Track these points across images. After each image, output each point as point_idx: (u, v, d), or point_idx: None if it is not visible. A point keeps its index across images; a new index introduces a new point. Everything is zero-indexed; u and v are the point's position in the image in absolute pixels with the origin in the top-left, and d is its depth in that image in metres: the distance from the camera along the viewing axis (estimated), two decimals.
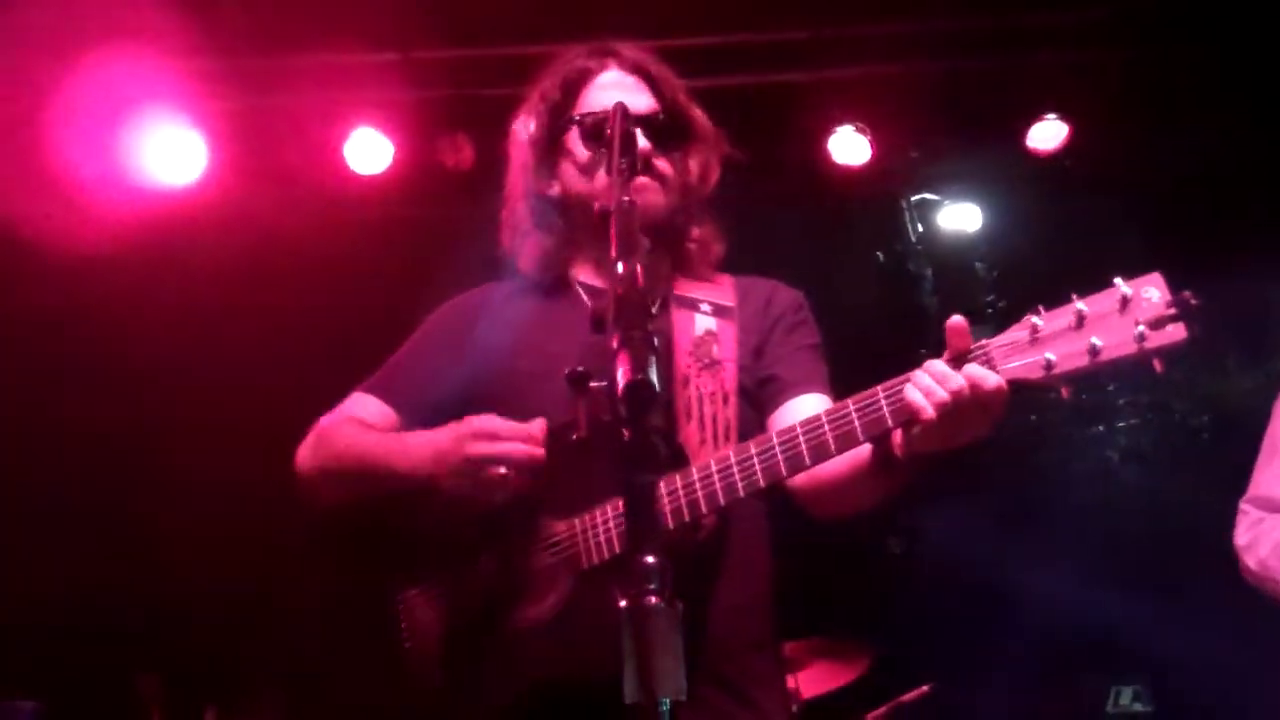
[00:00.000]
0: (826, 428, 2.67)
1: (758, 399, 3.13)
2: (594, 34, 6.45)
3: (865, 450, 2.74)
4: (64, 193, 6.23)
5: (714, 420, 3.04)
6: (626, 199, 2.61)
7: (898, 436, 2.66)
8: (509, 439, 2.86)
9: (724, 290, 3.29)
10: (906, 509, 7.38)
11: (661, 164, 3.18)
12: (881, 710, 5.84)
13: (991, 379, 2.53)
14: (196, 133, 6.38)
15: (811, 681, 5.92)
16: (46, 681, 5.79)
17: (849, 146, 6.71)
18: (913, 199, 7.99)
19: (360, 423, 3.21)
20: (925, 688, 5.85)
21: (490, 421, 2.89)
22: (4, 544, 6.29)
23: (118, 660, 6.19)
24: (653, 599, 1.98)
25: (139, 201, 6.37)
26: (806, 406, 3.02)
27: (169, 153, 6.36)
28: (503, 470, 2.84)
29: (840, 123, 6.69)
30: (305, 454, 3.23)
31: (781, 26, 6.61)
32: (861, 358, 3.16)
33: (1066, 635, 6.58)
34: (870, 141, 6.68)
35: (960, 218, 7.91)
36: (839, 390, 2.89)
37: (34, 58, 6.07)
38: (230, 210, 6.49)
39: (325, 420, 3.26)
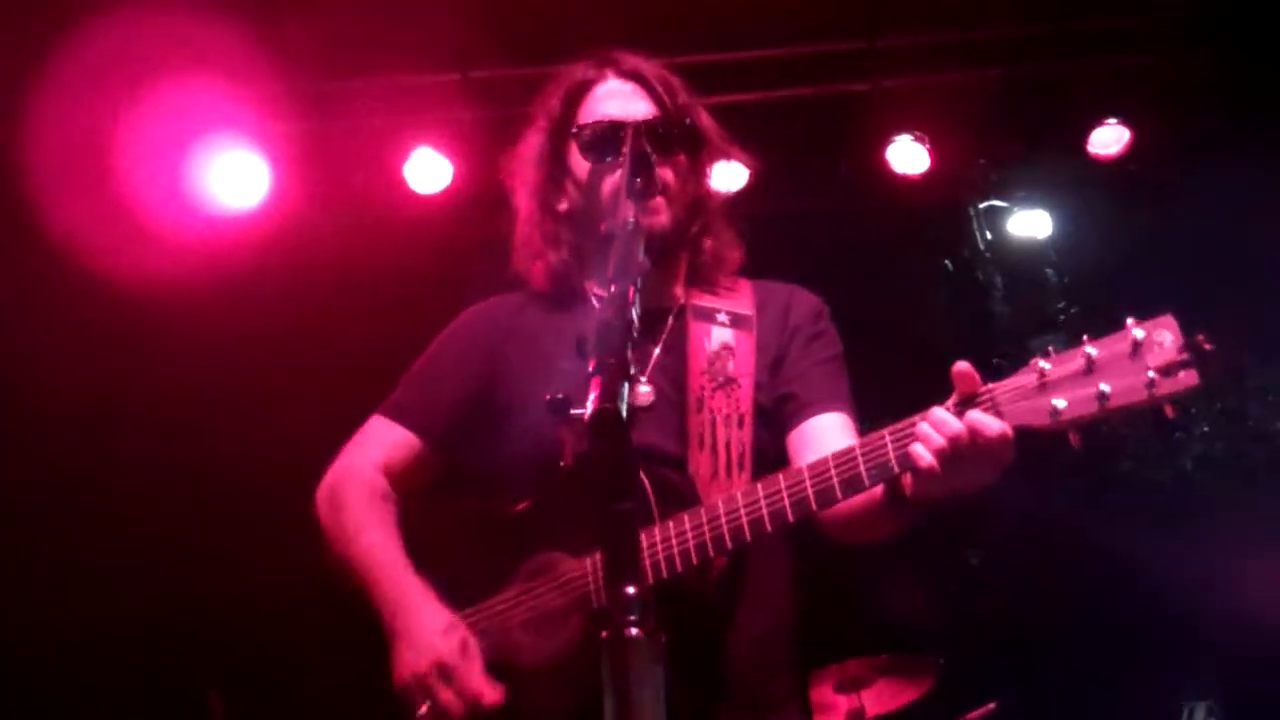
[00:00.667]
0: (833, 472, 2.65)
1: (775, 418, 3.10)
2: (653, 50, 6.52)
3: (878, 488, 2.71)
4: (132, 218, 6.37)
5: (728, 447, 3.00)
6: (630, 220, 2.62)
7: (906, 477, 2.63)
8: (456, 694, 2.86)
9: (742, 298, 3.23)
10: (983, 522, 7.37)
11: (664, 172, 3.12)
12: None
13: (994, 426, 2.48)
14: (260, 156, 6.46)
15: (877, 699, 5.89)
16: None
17: (908, 156, 6.65)
18: (981, 206, 7.91)
19: (373, 495, 3.19)
20: (992, 704, 5.79)
21: (458, 664, 2.87)
22: (71, 566, 6.44)
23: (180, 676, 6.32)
24: (633, 631, 1.98)
25: (204, 225, 6.48)
26: (825, 426, 3.00)
27: (233, 177, 6.45)
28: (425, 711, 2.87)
29: (898, 132, 6.63)
30: (322, 506, 3.25)
31: (838, 37, 6.58)
32: (930, 367, 3.08)
33: (1139, 650, 6.47)
34: (929, 150, 6.62)
35: (1030, 224, 7.79)
36: (906, 402, 2.81)
37: (101, 86, 6.19)
38: (293, 232, 6.58)
39: (346, 465, 3.27)
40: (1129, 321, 2.48)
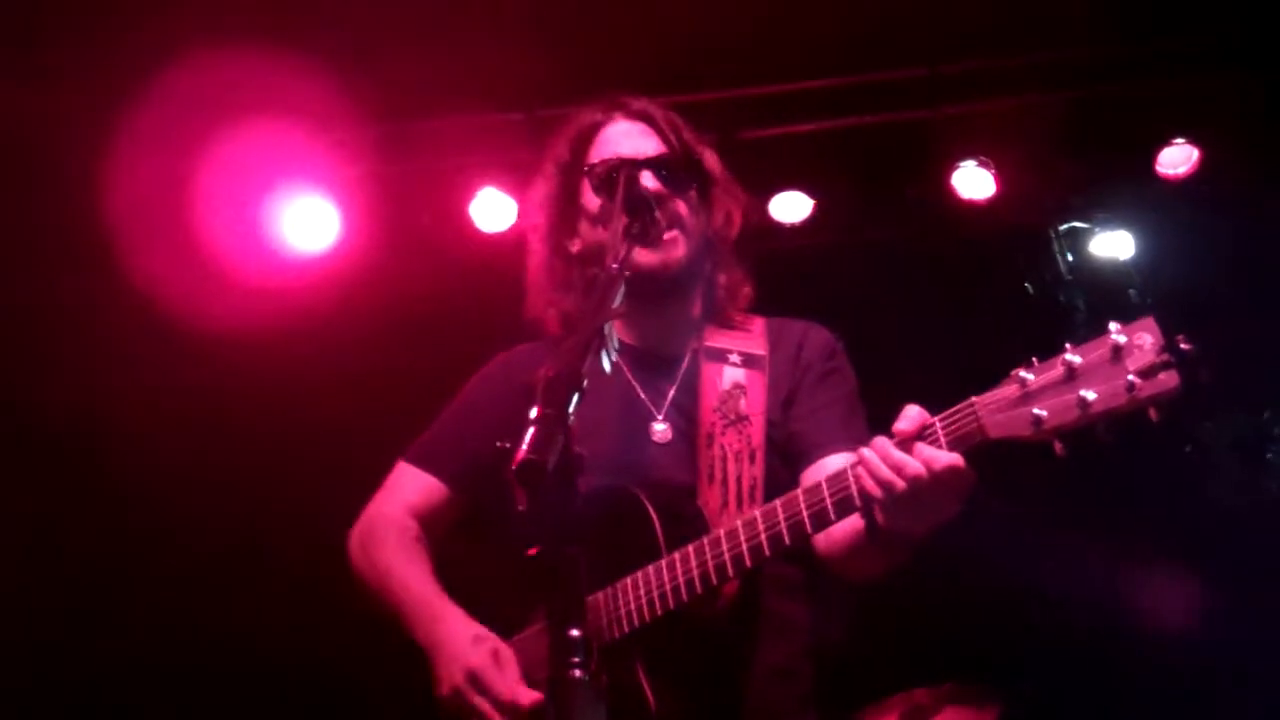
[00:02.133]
0: (802, 504, 2.69)
1: (788, 454, 3.13)
2: (715, 86, 6.60)
3: (860, 522, 2.73)
4: (209, 262, 6.55)
5: (739, 481, 3.06)
6: (615, 265, 2.68)
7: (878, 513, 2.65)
8: (488, 698, 2.92)
9: (755, 337, 3.29)
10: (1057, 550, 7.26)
11: (676, 207, 3.17)
12: None
13: (942, 458, 2.50)
14: (330, 200, 6.62)
15: None
16: None
17: (973, 181, 6.62)
18: (1062, 228, 7.83)
19: (404, 535, 3.30)
20: None
21: (488, 669, 2.94)
22: (137, 610, 6.61)
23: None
24: (576, 673, 2.02)
25: (278, 269, 6.65)
26: (833, 466, 3.01)
27: (305, 221, 6.61)
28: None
29: (964, 158, 6.61)
30: (355, 551, 3.37)
31: (900, 65, 6.58)
32: None
33: (1209, 682, 6.32)
34: (994, 175, 6.58)
35: (1112, 245, 7.69)
36: None
37: (177, 131, 6.37)
38: (362, 272, 6.71)
39: (374, 515, 3.37)
40: (1111, 327, 2.48)
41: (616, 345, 2.58)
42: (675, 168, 3.24)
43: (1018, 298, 7.95)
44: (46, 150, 6.19)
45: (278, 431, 6.64)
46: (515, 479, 2.08)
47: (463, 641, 3.02)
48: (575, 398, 2.24)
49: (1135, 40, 6.36)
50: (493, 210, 6.53)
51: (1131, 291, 8.08)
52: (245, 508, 6.61)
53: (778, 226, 6.79)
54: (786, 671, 3.05)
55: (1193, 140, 6.46)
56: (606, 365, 2.54)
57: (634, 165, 3.18)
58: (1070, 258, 7.91)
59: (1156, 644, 6.44)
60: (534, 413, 2.16)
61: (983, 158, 6.59)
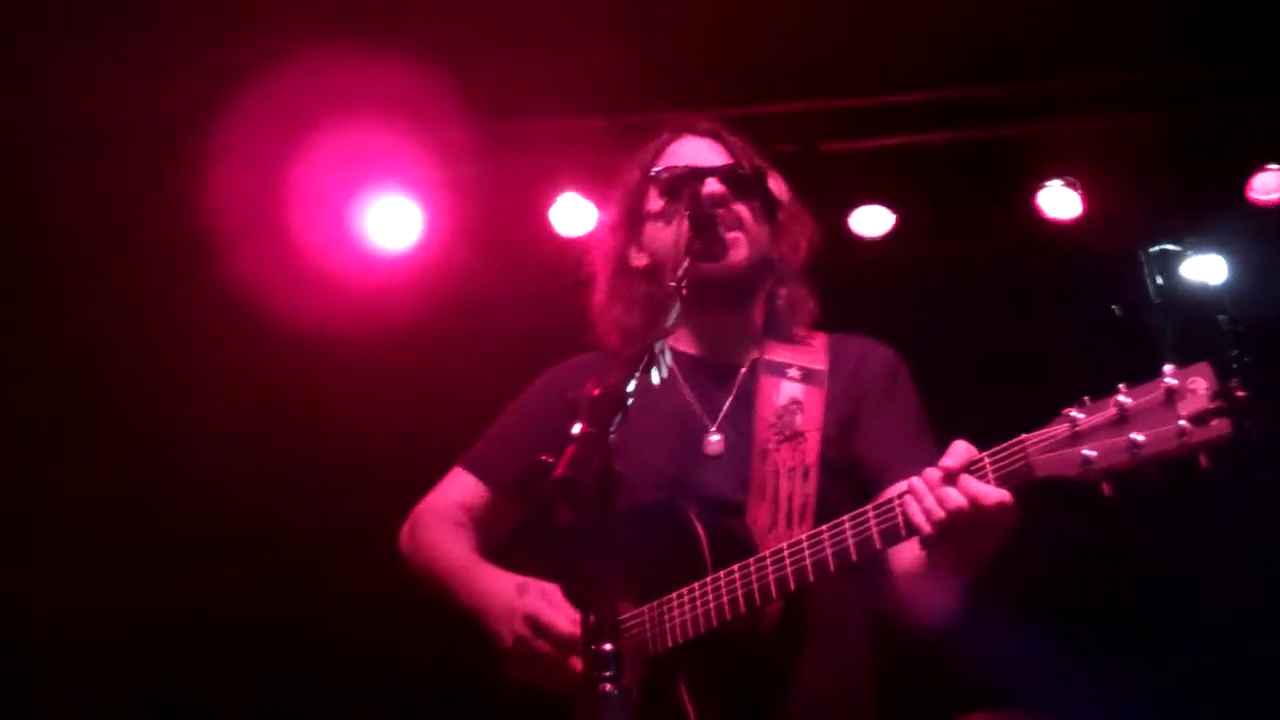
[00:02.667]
0: (848, 530, 2.69)
1: (852, 476, 3.12)
2: (799, 96, 6.57)
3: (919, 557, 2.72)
4: (300, 261, 6.64)
5: (789, 499, 3.05)
6: (673, 283, 2.70)
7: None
8: (550, 638, 2.93)
9: (815, 353, 3.28)
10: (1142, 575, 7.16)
11: (741, 210, 3.19)
12: None
13: (990, 494, 2.48)
14: (414, 200, 6.68)
15: None
16: None
17: (1060, 201, 6.54)
18: (1151, 250, 7.71)
19: (451, 519, 3.33)
20: None
21: (542, 610, 2.95)
22: (228, 610, 6.73)
23: None
24: (607, 687, 2.04)
25: (364, 268, 6.72)
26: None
27: (390, 221, 6.68)
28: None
29: (1050, 177, 6.53)
30: (405, 539, 3.42)
31: (988, 81, 6.52)
32: None
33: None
34: (1081, 195, 6.50)
35: (1203, 269, 7.56)
36: None
37: (274, 129, 6.46)
38: (444, 273, 6.76)
39: (425, 505, 3.42)
40: (1165, 369, 2.45)
41: (669, 362, 2.59)
42: (740, 176, 3.24)
43: (1103, 320, 7.84)
44: (144, 145, 6.32)
45: (355, 429, 6.71)
46: (550, 495, 2.11)
47: (508, 593, 3.07)
48: (619, 417, 2.26)
49: (1229, 62, 6.25)
50: (573, 215, 6.54)
51: (1222, 318, 7.94)
52: (330, 505, 6.67)
53: (858, 240, 6.75)
54: (832, 692, 3.04)
55: None
56: (656, 381, 2.55)
57: (700, 172, 3.19)
58: (1160, 281, 7.79)
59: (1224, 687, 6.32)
60: (576, 430, 2.18)
61: (1070, 177, 6.52)
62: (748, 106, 6.49)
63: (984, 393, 6.44)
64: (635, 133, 6.70)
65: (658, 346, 2.55)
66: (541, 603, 2.96)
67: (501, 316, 6.66)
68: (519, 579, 3.06)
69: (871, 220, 6.73)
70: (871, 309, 6.52)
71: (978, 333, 6.90)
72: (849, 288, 6.62)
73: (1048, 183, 6.55)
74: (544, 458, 2.17)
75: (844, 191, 6.71)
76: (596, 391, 2.32)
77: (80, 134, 6.17)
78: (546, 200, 6.59)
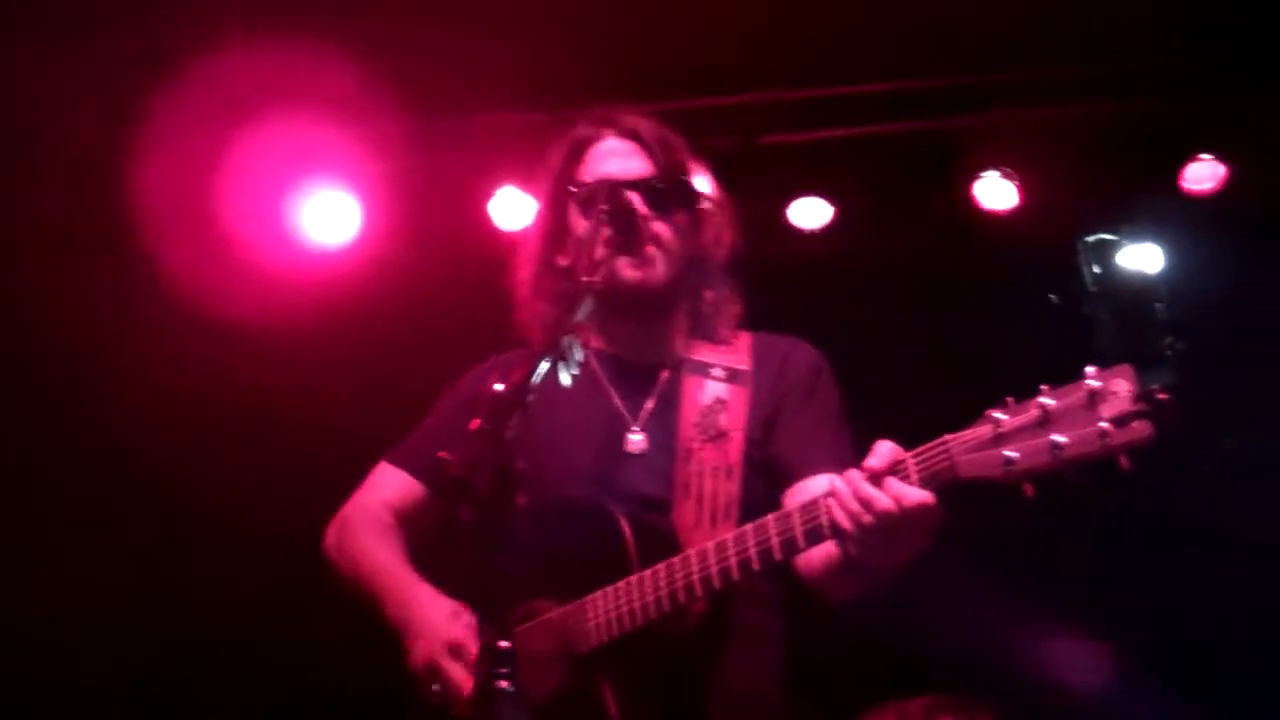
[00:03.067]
0: (772, 530, 2.70)
1: (771, 473, 3.13)
2: (738, 89, 6.57)
3: (836, 549, 2.74)
4: (233, 253, 6.59)
5: (714, 497, 3.06)
6: (587, 279, 2.71)
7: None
8: (469, 668, 2.88)
9: (739, 353, 3.30)
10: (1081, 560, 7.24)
11: (660, 228, 3.19)
12: None
13: (912, 495, 2.51)
14: (352, 195, 6.65)
15: None
16: None
17: (996, 192, 6.59)
18: (1088, 240, 7.78)
19: (380, 522, 3.31)
20: None
21: (465, 642, 2.92)
22: (175, 604, 6.68)
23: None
24: (503, 684, 2.04)
25: (299, 262, 6.68)
26: (816, 489, 3.00)
27: (327, 214, 6.65)
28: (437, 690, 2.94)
29: (986, 168, 6.58)
30: (330, 539, 3.39)
31: (926, 74, 6.56)
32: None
33: (1218, 698, 6.30)
34: (1018, 186, 6.55)
35: (1140, 258, 7.64)
36: None
37: (207, 122, 6.40)
38: (381, 268, 6.74)
39: (353, 506, 3.39)
40: (1088, 371, 2.47)
41: (580, 358, 2.59)
42: (661, 190, 3.23)
43: (1040, 310, 7.91)
44: (73, 139, 6.24)
45: (290, 423, 6.67)
46: (444, 493, 2.12)
47: (440, 616, 3.04)
48: (517, 414, 2.25)
49: (1162, 55, 6.30)
50: (512, 209, 6.53)
51: (1158, 306, 8.04)
52: (259, 500, 6.61)
53: (797, 232, 6.77)
54: (757, 688, 3.06)
55: (1220, 157, 6.42)
56: (566, 379, 2.56)
57: (619, 186, 3.18)
58: (1097, 270, 7.87)
59: (1164, 665, 6.40)
60: (473, 427, 2.18)
61: (1006, 168, 6.56)
62: (686, 100, 6.51)
63: (922, 384, 6.50)
64: (574, 127, 6.79)
65: (565, 342, 2.55)
66: (469, 634, 2.95)
67: (440, 311, 6.64)
68: (453, 605, 3.05)
69: (810, 212, 6.76)
70: (811, 301, 6.61)
71: (916, 324, 6.95)
72: (788, 280, 6.73)
73: (984, 174, 6.59)
74: (442, 454, 2.16)
75: (782, 184, 6.73)
76: (497, 388, 2.30)
77: (9, 126, 6.09)
78: (485, 195, 6.57)
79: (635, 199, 3.16)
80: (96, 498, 6.73)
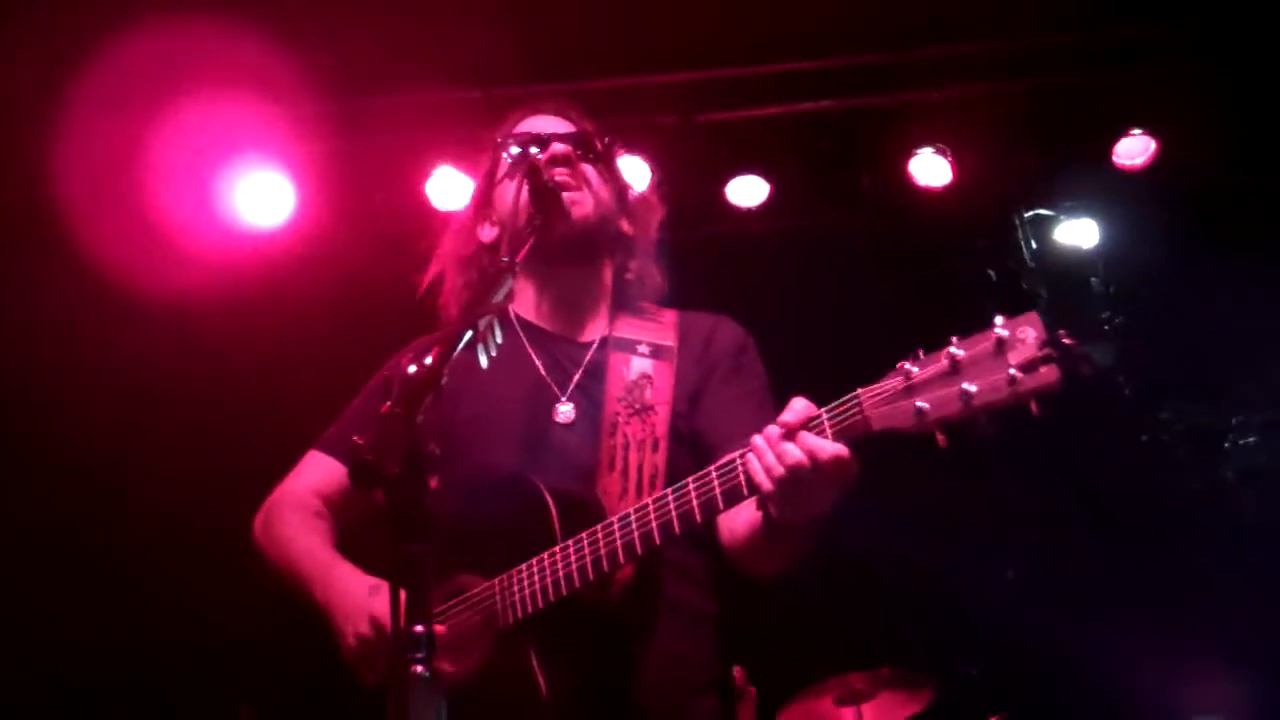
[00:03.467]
0: (692, 491, 2.71)
1: (696, 447, 3.14)
2: (674, 68, 6.58)
3: (757, 517, 2.74)
4: (159, 234, 6.54)
5: (639, 469, 3.06)
6: (507, 258, 2.71)
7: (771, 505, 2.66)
8: (383, 648, 2.90)
9: (665, 329, 3.30)
10: (1025, 531, 7.31)
11: (585, 169, 3.21)
12: None
13: (827, 448, 2.51)
14: (285, 175, 6.61)
15: (878, 712, 5.88)
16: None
17: (930, 169, 6.63)
18: (1025, 215, 7.84)
19: (307, 509, 3.30)
20: (998, 717, 5.75)
21: (381, 615, 2.90)
22: (99, 579, 6.61)
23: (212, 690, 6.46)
24: (418, 668, 2.03)
25: (230, 243, 6.64)
26: None
27: (259, 196, 6.61)
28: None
29: (921, 145, 6.61)
30: (258, 527, 3.37)
31: (860, 51, 6.58)
32: None
33: (1149, 662, 6.37)
34: (951, 163, 6.59)
35: (1076, 233, 7.71)
36: None
37: (130, 103, 6.34)
38: (316, 249, 6.71)
39: (280, 493, 3.37)
40: (995, 320, 2.48)
41: (499, 339, 2.58)
42: (585, 143, 3.26)
43: (977, 285, 7.97)
44: None
45: (225, 406, 6.63)
46: (353, 478, 2.09)
47: (360, 593, 3.02)
48: (430, 397, 2.23)
49: (1092, 30, 6.36)
50: (448, 188, 6.50)
51: (1094, 280, 8.12)
52: (190, 482, 6.57)
53: (734, 210, 6.79)
54: (684, 656, 3.04)
55: (1150, 131, 6.48)
56: (484, 361, 2.55)
57: (544, 138, 3.20)
58: (1034, 245, 7.93)
59: (1100, 629, 6.47)
60: (383, 410, 2.16)
61: (940, 145, 6.60)
62: (623, 77, 6.54)
63: (857, 360, 6.51)
64: (510, 105, 6.76)
65: (483, 323, 2.52)
66: (381, 615, 2.94)
67: (375, 292, 6.60)
68: (374, 581, 3.04)
69: (747, 190, 6.78)
70: (749, 277, 6.64)
71: (852, 300, 6.98)
72: (727, 257, 6.76)
73: (918, 151, 6.62)
74: (355, 439, 2.13)
75: (720, 162, 6.74)
76: (410, 370, 2.28)
77: None
78: (422, 174, 6.54)
79: (559, 145, 3.17)
80: (23, 481, 6.66)
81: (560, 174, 3.17)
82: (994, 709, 5.80)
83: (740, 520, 2.85)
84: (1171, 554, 6.85)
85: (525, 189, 3.03)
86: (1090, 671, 6.33)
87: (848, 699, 5.87)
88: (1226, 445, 7.87)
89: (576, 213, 3.15)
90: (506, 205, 3.21)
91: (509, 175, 3.25)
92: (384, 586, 2.93)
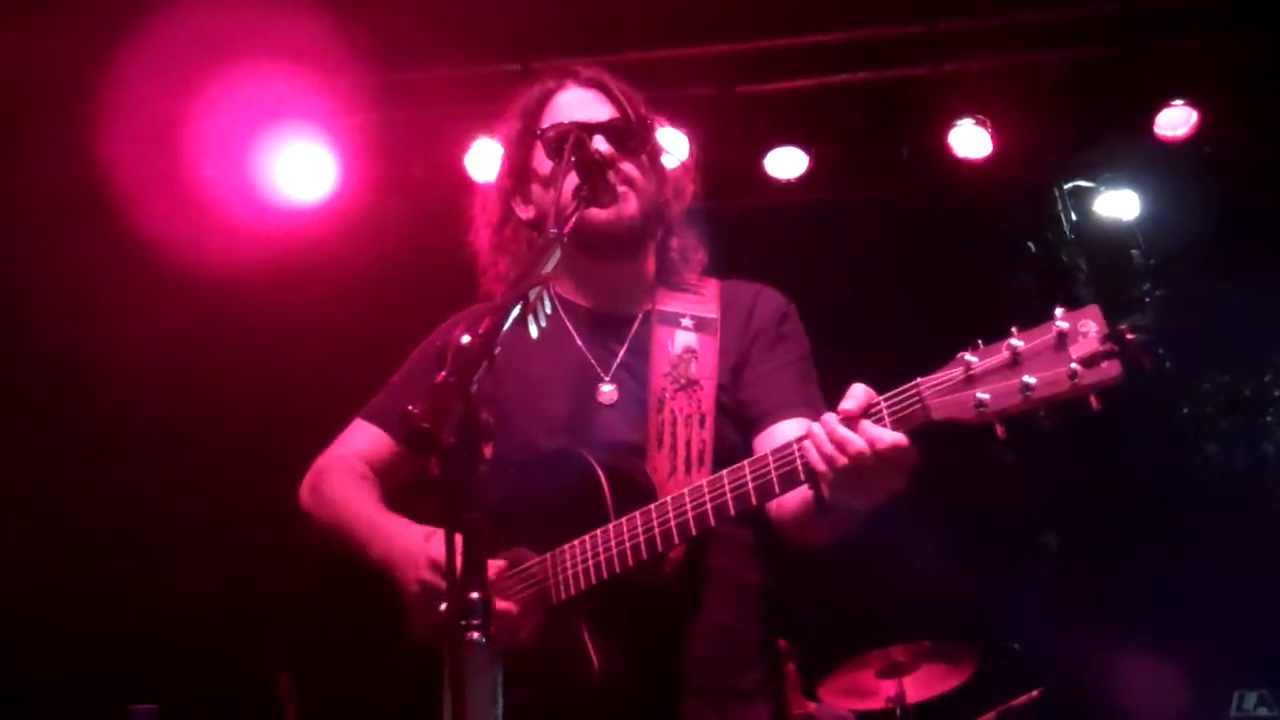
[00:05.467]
0: (748, 475, 2.71)
1: (740, 419, 3.14)
2: (713, 40, 6.56)
3: (808, 494, 2.74)
4: (202, 210, 6.57)
5: (687, 445, 3.05)
6: (555, 230, 2.70)
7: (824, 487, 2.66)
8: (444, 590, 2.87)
9: (707, 301, 3.27)
10: (1064, 504, 7.31)
11: (628, 167, 3.18)
12: (991, 715, 5.77)
13: (886, 437, 2.51)
14: (326, 148, 6.62)
15: (919, 685, 5.89)
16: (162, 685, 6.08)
17: (970, 140, 6.59)
18: (1065, 187, 7.80)
19: (354, 471, 3.29)
20: (1035, 692, 5.76)
21: (441, 558, 2.78)
22: (142, 546, 6.67)
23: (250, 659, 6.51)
24: (473, 635, 2.04)
25: (272, 215, 6.66)
26: (784, 433, 2.98)
27: (301, 169, 6.62)
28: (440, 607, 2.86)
29: (960, 116, 6.57)
30: (305, 493, 3.35)
31: (899, 22, 6.54)
32: None
33: (1191, 635, 6.37)
34: (991, 134, 6.56)
35: (1116, 205, 7.66)
36: None
37: (172, 78, 6.36)
38: (356, 222, 6.73)
39: (326, 458, 3.38)
40: (1056, 313, 2.47)
41: (548, 310, 2.58)
42: (627, 132, 3.21)
43: (1016, 256, 7.94)
44: (39, 93, 6.20)
45: (268, 376, 6.67)
46: (409, 447, 2.09)
47: (416, 540, 2.99)
48: (484, 366, 2.24)
49: (1133, 0, 6.29)
50: (487, 160, 6.48)
51: (1134, 252, 8.08)
52: (234, 453, 6.62)
53: (773, 182, 6.77)
54: (732, 630, 3.04)
55: (1192, 102, 6.43)
56: (534, 331, 2.55)
57: (586, 129, 3.16)
58: (1074, 217, 7.90)
59: (1141, 602, 6.47)
60: (438, 379, 2.16)
61: (980, 116, 6.56)
62: (662, 49, 6.51)
63: (898, 331, 6.53)
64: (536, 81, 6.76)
65: (533, 294, 2.52)
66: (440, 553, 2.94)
67: (415, 264, 6.62)
68: (426, 528, 3.04)
69: (786, 162, 6.75)
70: (788, 250, 6.63)
71: (892, 272, 6.97)
72: (765, 230, 6.75)
73: (958, 122, 6.58)
74: (410, 408, 2.13)
75: (759, 134, 6.72)
76: (464, 340, 2.29)
77: None
78: (461, 147, 6.54)
79: (601, 141, 3.14)
80: (58, 452, 6.72)
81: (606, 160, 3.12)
82: (1034, 683, 5.80)
83: (789, 498, 2.85)
84: (1212, 526, 6.83)
85: (571, 167, 2.99)
86: (1130, 645, 6.33)
87: (889, 671, 5.89)
88: (1268, 418, 7.86)
89: (623, 210, 3.13)
90: (549, 190, 3.18)
91: (551, 162, 3.22)
92: (439, 533, 2.94)
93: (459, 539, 2.10)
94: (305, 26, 6.11)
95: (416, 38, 6.46)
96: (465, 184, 6.50)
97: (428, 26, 6.38)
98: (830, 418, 2.58)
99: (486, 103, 6.45)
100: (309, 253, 6.70)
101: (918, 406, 2.54)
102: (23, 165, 6.31)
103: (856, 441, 2.53)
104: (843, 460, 2.53)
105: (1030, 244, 8.16)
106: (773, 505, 2.91)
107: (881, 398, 2.59)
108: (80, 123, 6.16)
